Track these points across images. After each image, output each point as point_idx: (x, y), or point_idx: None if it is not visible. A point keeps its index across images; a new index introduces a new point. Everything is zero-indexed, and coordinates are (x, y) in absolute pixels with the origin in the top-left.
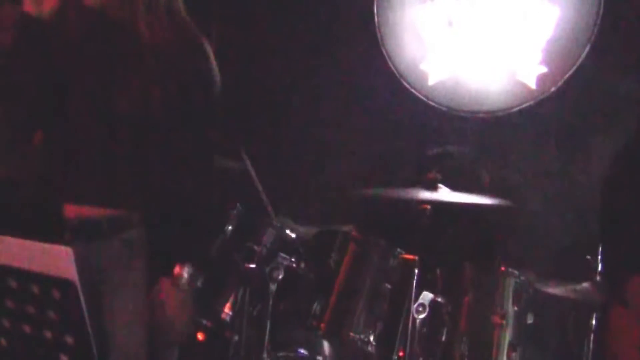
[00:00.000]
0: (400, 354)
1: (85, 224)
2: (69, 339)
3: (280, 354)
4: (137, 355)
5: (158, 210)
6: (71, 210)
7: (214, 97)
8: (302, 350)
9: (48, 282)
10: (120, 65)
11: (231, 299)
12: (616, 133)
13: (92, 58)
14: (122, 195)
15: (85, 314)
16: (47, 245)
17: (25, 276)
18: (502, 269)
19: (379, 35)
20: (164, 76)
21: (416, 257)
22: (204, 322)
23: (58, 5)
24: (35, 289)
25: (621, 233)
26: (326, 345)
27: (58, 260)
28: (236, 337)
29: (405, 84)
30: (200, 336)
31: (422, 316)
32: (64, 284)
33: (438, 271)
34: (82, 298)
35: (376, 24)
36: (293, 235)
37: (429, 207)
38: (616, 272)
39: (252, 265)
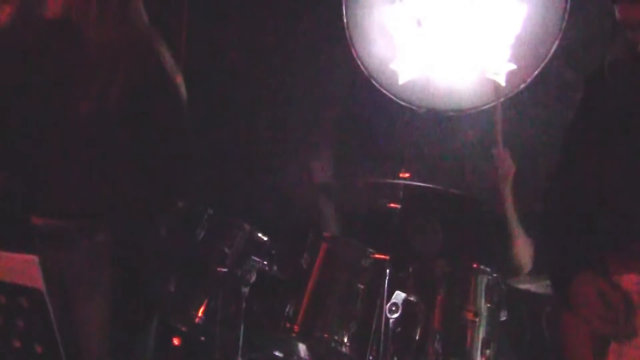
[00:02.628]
0: None
1: (51, 230)
2: (38, 348)
3: (255, 356)
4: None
5: (123, 214)
6: (37, 218)
7: (172, 101)
8: (277, 352)
9: (15, 291)
10: (74, 71)
11: (204, 303)
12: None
13: (46, 65)
14: (85, 200)
15: (54, 322)
16: (13, 255)
17: None
18: (475, 266)
19: (348, 36)
20: (118, 80)
21: (388, 257)
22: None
23: (13, 13)
24: (2, 299)
25: (561, 233)
26: (301, 347)
27: (25, 269)
28: (210, 341)
29: (375, 83)
30: (176, 341)
31: (395, 315)
32: (31, 293)
33: (410, 270)
34: (49, 306)
35: (345, 25)
36: (265, 238)
37: (398, 206)
38: (559, 274)
39: (224, 269)
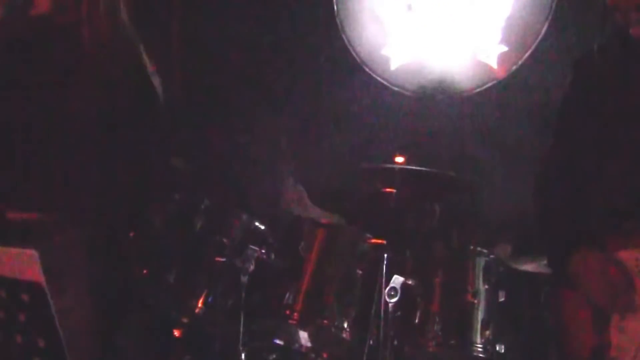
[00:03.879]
0: None
1: (26, 225)
2: (41, 342)
3: (256, 345)
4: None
5: (99, 211)
6: (12, 212)
7: (150, 100)
8: (278, 340)
9: (16, 285)
10: (63, 70)
11: (204, 294)
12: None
13: (36, 64)
14: (61, 197)
15: (55, 316)
16: (13, 249)
17: None
18: (472, 248)
19: (338, 23)
20: (103, 80)
21: (385, 242)
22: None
23: (3, 13)
24: (3, 293)
25: (557, 213)
26: (301, 334)
27: (25, 263)
28: (211, 331)
29: (367, 69)
30: (176, 332)
31: (394, 300)
32: (32, 287)
33: (407, 254)
34: (50, 300)
35: (335, 12)
36: (262, 227)
37: (394, 190)
38: (557, 253)
39: (223, 259)
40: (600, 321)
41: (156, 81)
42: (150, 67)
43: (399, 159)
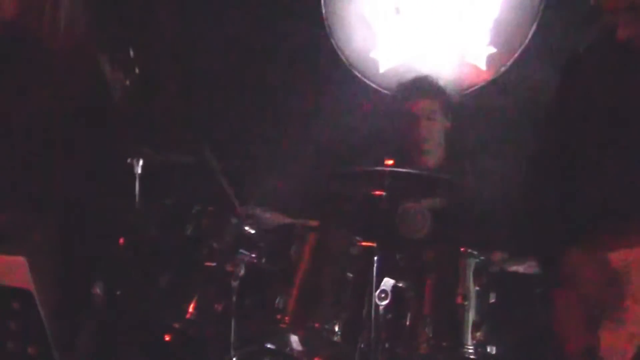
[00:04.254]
0: None
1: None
2: (32, 350)
3: (247, 349)
4: None
5: (64, 214)
6: None
7: (109, 106)
8: (269, 345)
9: (6, 293)
10: (24, 75)
11: (195, 299)
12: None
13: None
14: (26, 200)
15: (45, 323)
16: (1, 256)
17: None
18: (462, 249)
19: (327, 26)
20: (63, 84)
21: (375, 244)
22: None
23: None
24: None
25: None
26: (293, 338)
27: (13, 270)
28: (202, 336)
29: (356, 73)
30: (167, 337)
31: (384, 302)
32: (22, 295)
33: (398, 256)
34: (40, 307)
35: (324, 15)
36: (252, 231)
37: (384, 193)
38: (547, 253)
39: (213, 264)
40: (591, 321)
41: (116, 86)
42: (110, 74)
43: (389, 162)
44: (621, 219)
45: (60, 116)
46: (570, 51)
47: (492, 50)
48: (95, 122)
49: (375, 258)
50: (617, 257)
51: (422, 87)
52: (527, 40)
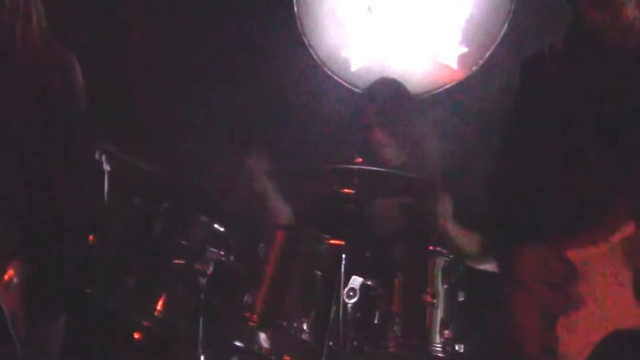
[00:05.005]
0: None
1: None
2: None
3: (216, 347)
4: None
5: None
6: None
7: (79, 108)
8: (237, 343)
9: None
10: None
11: (163, 296)
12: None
13: None
14: None
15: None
16: None
17: None
18: (431, 248)
19: (299, 25)
20: (34, 88)
21: (343, 242)
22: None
23: None
24: None
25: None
26: (261, 336)
27: None
28: (171, 334)
29: (328, 71)
30: (136, 335)
31: (353, 300)
32: None
33: (367, 254)
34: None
35: (296, 13)
36: (221, 229)
37: (352, 191)
38: (504, 251)
39: (182, 261)
40: (548, 320)
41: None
42: (79, 78)
43: (358, 160)
44: (578, 218)
45: (30, 117)
46: (534, 50)
47: (464, 49)
48: (65, 123)
49: (344, 256)
50: (576, 256)
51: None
52: (498, 40)
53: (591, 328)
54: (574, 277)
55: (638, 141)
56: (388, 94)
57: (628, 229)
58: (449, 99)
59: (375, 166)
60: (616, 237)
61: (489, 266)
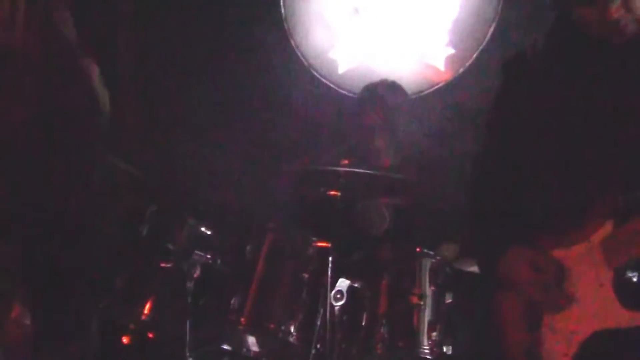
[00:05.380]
0: None
1: None
2: None
3: (203, 350)
4: None
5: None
6: None
7: (95, 115)
8: (225, 346)
9: None
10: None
11: (150, 300)
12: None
13: None
14: None
15: None
16: None
17: None
18: (418, 250)
19: (286, 27)
20: (40, 93)
21: (330, 245)
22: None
23: None
24: None
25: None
26: (249, 339)
27: None
28: (158, 337)
29: (315, 73)
30: (124, 339)
31: (340, 303)
32: None
33: (354, 256)
34: None
35: (283, 15)
36: (208, 232)
37: (338, 193)
38: (487, 252)
39: (169, 264)
40: (532, 321)
41: (100, 89)
42: (93, 75)
43: (344, 162)
44: (560, 219)
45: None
46: (516, 52)
47: (451, 51)
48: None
49: (331, 259)
50: (556, 257)
51: (371, 99)
52: (485, 41)
53: (574, 328)
54: (563, 277)
55: (617, 140)
56: (392, 97)
57: (607, 228)
58: (435, 100)
59: (363, 168)
60: (595, 237)
61: (476, 268)
